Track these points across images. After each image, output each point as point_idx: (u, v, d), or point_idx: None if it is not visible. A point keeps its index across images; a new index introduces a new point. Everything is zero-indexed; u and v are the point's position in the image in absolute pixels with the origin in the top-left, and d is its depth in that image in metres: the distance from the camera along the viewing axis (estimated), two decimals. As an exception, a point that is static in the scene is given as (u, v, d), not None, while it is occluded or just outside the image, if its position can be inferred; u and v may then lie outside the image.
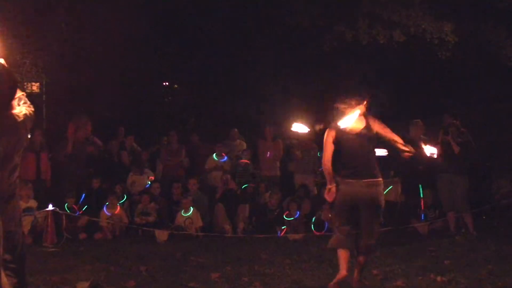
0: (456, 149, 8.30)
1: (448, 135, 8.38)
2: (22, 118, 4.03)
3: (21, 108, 4.09)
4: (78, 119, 9.88)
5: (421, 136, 9.67)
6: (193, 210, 8.98)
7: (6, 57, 4.10)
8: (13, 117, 4.03)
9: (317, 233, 8.75)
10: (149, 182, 9.94)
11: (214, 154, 10.37)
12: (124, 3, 12.31)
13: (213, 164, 10.36)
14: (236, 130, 11.29)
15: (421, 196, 9.12)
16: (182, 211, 8.99)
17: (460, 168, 8.40)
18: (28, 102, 4.18)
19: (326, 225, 8.86)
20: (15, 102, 4.06)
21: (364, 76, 13.17)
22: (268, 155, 10.25)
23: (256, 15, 13.30)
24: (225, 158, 10.40)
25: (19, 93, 4.12)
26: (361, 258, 5.11)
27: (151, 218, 9.06)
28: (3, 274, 4.00)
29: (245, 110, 14.34)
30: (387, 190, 7.87)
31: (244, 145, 11.03)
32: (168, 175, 10.26)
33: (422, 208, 9.04)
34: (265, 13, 13.04)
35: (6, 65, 4.00)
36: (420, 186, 9.11)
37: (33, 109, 4.19)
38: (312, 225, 8.95)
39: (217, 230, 9.02)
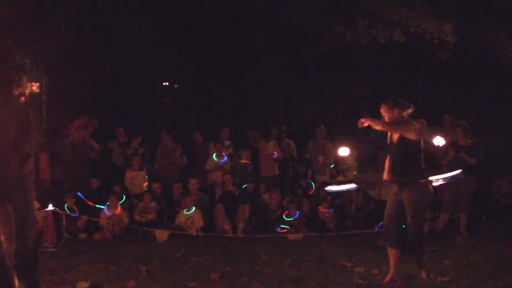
0: (473, 162, 8.27)
1: (461, 152, 8.31)
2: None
3: None
4: (88, 120, 9.86)
5: (424, 136, 9.68)
6: (195, 209, 8.96)
7: (6, 57, 4.13)
8: (21, 105, 4.02)
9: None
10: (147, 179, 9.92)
11: (214, 155, 10.33)
12: (124, 3, 12.33)
13: (213, 164, 10.33)
14: (227, 130, 11.12)
15: None
16: (185, 210, 8.98)
17: (469, 168, 8.33)
18: None
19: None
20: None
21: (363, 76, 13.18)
22: (275, 156, 10.24)
23: (256, 15, 13.30)
24: (225, 158, 10.36)
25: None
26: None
27: (151, 216, 9.06)
28: (15, 277, 3.92)
29: (245, 110, 14.33)
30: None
31: (231, 146, 10.88)
32: (161, 175, 10.24)
33: None
34: (265, 13, 13.04)
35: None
36: None
37: None
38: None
39: (217, 230, 9.01)
